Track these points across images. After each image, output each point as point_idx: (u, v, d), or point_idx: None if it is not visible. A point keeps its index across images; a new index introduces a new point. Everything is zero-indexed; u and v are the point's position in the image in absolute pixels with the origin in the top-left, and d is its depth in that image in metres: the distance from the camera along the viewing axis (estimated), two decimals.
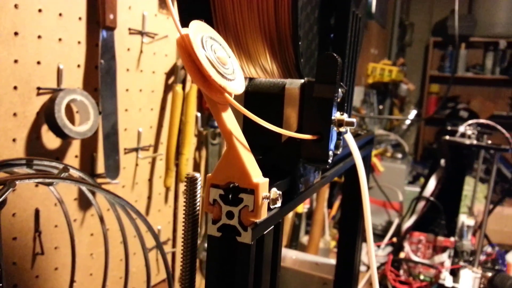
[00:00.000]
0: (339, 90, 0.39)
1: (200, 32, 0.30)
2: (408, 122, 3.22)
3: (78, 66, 0.73)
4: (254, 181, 0.30)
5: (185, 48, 0.29)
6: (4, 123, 0.64)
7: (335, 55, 0.36)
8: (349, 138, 0.47)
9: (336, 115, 0.39)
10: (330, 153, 0.37)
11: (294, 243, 1.45)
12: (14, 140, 0.65)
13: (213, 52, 0.30)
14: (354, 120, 0.39)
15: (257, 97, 0.39)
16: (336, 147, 0.39)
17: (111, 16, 0.73)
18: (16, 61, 0.64)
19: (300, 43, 0.41)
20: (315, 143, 0.37)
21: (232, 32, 0.46)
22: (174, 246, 1.04)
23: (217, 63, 0.30)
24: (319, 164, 0.38)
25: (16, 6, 0.62)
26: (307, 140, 0.37)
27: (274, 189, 0.30)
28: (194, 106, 0.99)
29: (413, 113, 3.44)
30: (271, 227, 0.34)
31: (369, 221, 0.55)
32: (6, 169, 0.45)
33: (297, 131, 0.38)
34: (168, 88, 0.96)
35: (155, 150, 0.94)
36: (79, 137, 0.70)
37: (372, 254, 0.56)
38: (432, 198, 1.37)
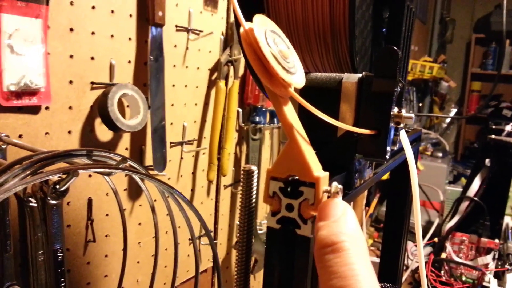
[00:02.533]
0: (398, 85, 0.39)
1: (263, 26, 0.31)
2: (448, 120, 3.13)
3: (129, 62, 0.76)
4: (315, 174, 0.30)
5: (249, 43, 0.30)
6: (60, 115, 0.67)
7: (396, 48, 0.36)
8: (402, 134, 0.46)
9: (394, 110, 0.38)
10: (388, 149, 0.37)
11: None
12: (69, 132, 0.68)
13: (276, 46, 0.31)
14: (412, 115, 0.39)
15: (312, 91, 0.39)
16: (393, 143, 0.39)
17: (160, 13, 0.74)
18: (71, 56, 0.66)
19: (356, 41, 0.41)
20: (372, 139, 0.37)
21: (284, 27, 0.46)
22: (215, 238, 1.06)
23: (280, 57, 0.31)
24: (376, 160, 0.38)
25: (71, 3, 0.65)
26: (364, 136, 0.37)
27: (335, 183, 0.30)
28: (236, 101, 1.00)
29: (453, 111, 3.34)
30: None
31: (419, 220, 0.55)
32: (67, 159, 0.47)
33: (353, 126, 0.38)
34: (211, 83, 0.98)
35: (199, 144, 0.96)
36: (130, 130, 0.72)
37: (421, 254, 0.55)
38: (476, 199, 1.33)
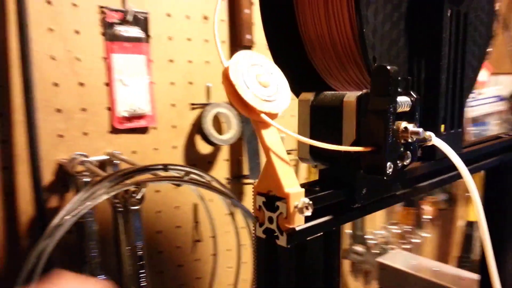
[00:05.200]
0: (406, 99, 0.39)
1: (244, 61, 0.35)
2: None
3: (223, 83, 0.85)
4: (286, 191, 0.33)
5: (227, 78, 0.35)
6: (166, 133, 0.79)
7: (389, 67, 0.36)
8: (439, 143, 0.44)
9: (402, 124, 0.38)
10: (389, 164, 0.37)
11: (466, 255, 1.32)
12: (174, 147, 0.81)
13: (255, 78, 0.35)
14: (419, 130, 0.38)
15: (321, 110, 0.42)
16: (401, 157, 0.39)
17: (248, 36, 0.82)
18: (172, 83, 0.78)
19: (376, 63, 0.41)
20: (372, 155, 0.37)
21: (317, 48, 0.49)
22: None
23: (257, 88, 0.35)
24: (377, 175, 0.38)
25: (170, 38, 0.77)
26: (366, 152, 0.38)
27: (303, 199, 0.33)
28: None
29: None
30: (318, 234, 0.36)
31: (485, 232, 0.50)
32: (147, 172, 0.58)
33: (355, 142, 0.39)
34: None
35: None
36: (224, 143, 0.81)
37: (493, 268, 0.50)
38: None
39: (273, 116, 0.36)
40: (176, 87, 0.79)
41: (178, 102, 0.80)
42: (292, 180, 0.34)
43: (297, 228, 0.34)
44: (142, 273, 0.56)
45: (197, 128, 0.82)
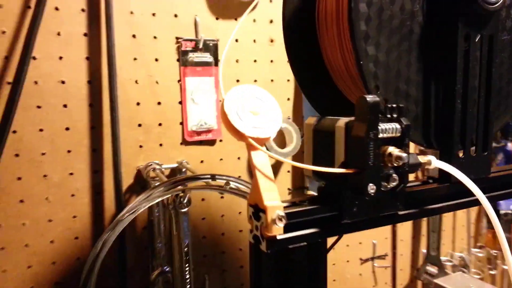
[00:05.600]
0: (394, 126, 0.42)
1: (238, 94, 0.42)
2: None
3: (288, 99, 0.91)
4: (265, 204, 0.39)
5: (221, 109, 0.42)
6: (231, 146, 0.88)
7: (368, 97, 0.39)
8: (445, 167, 0.45)
9: (388, 149, 0.41)
10: (370, 186, 0.40)
11: None
12: (238, 158, 0.89)
13: (247, 109, 0.42)
14: (403, 155, 0.40)
15: (320, 133, 0.46)
16: (387, 179, 0.41)
17: None
18: None
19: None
20: (355, 176, 0.41)
21: (337, 75, 0.53)
22: (393, 263, 1.07)
23: (248, 117, 0.41)
24: (360, 195, 0.41)
25: (237, 61, 0.86)
26: (351, 172, 0.41)
27: (277, 211, 0.38)
28: None
29: None
30: (301, 244, 0.41)
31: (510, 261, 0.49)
32: (198, 181, 0.67)
33: (343, 164, 0.43)
34: None
35: None
36: (283, 156, 0.87)
37: None
38: None
39: (261, 140, 0.42)
40: None
41: None
42: (273, 195, 0.40)
43: (279, 237, 0.40)
44: (187, 267, 0.65)
45: None
